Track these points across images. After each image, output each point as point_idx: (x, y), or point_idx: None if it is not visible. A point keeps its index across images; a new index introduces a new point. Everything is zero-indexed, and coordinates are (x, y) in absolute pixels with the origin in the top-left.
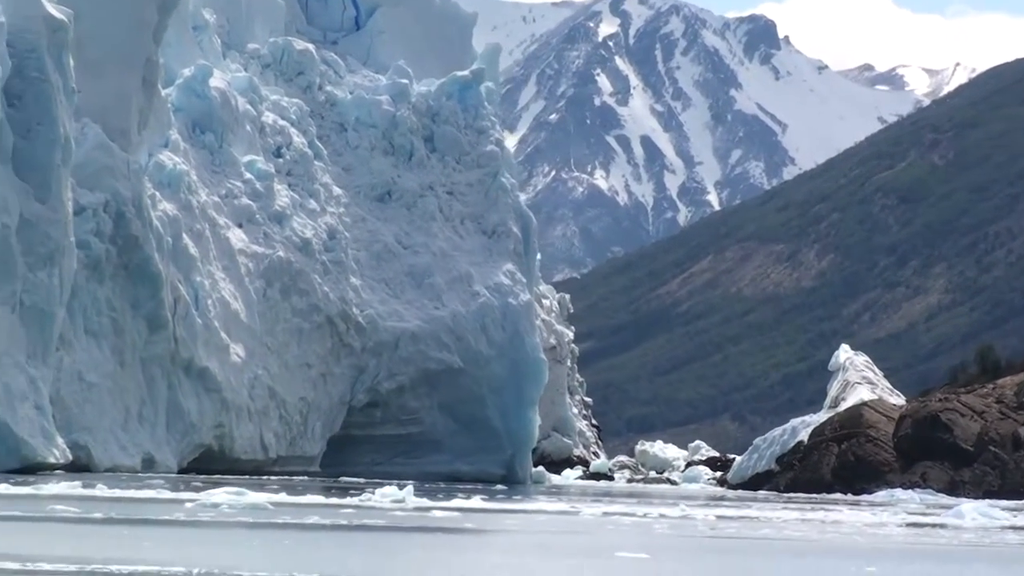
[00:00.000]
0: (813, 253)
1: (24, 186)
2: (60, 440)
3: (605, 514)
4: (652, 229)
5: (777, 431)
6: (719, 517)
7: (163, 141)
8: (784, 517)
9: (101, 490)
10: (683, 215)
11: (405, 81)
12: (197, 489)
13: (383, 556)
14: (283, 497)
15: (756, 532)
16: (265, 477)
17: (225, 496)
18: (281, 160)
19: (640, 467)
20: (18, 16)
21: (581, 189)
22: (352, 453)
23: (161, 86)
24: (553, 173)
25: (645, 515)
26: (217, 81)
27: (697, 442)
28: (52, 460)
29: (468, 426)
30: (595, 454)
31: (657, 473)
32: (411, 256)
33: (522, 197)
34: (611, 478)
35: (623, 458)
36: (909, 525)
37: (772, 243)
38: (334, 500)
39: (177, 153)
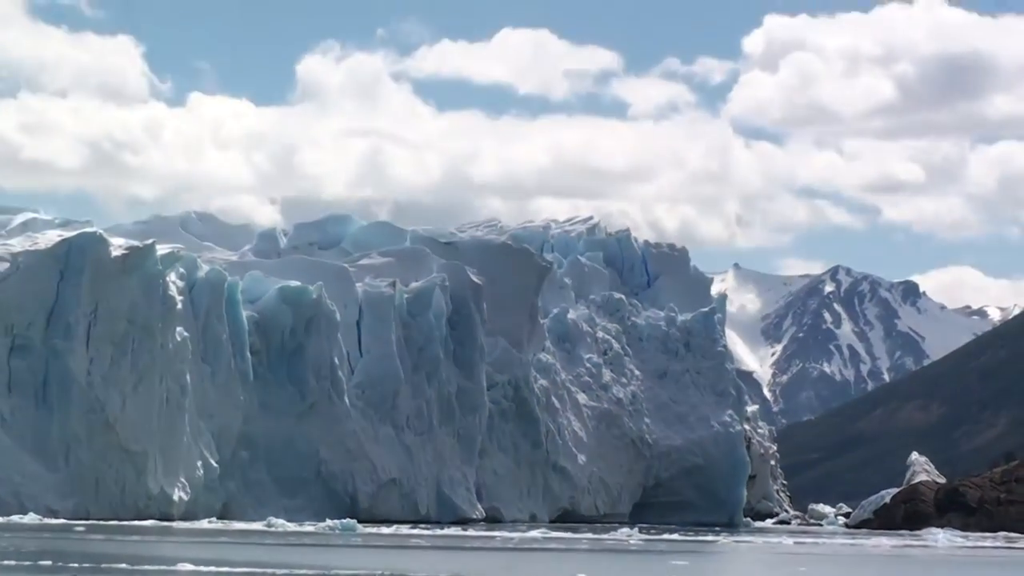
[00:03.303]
0: None
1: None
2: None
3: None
4: None
5: (875, 496)
6: (797, 543)
7: (541, 347)
8: (870, 542)
9: None
10: None
11: (674, 314)
12: None
13: None
14: None
15: (826, 549)
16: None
17: None
18: (607, 356)
19: (807, 518)
20: (453, 281)
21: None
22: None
23: (540, 318)
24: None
25: (770, 542)
26: (571, 315)
27: (840, 504)
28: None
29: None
30: (786, 510)
31: (815, 520)
32: (674, 407)
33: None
34: (788, 523)
35: (797, 512)
36: (902, 546)
37: None
38: None
39: (549, 354)
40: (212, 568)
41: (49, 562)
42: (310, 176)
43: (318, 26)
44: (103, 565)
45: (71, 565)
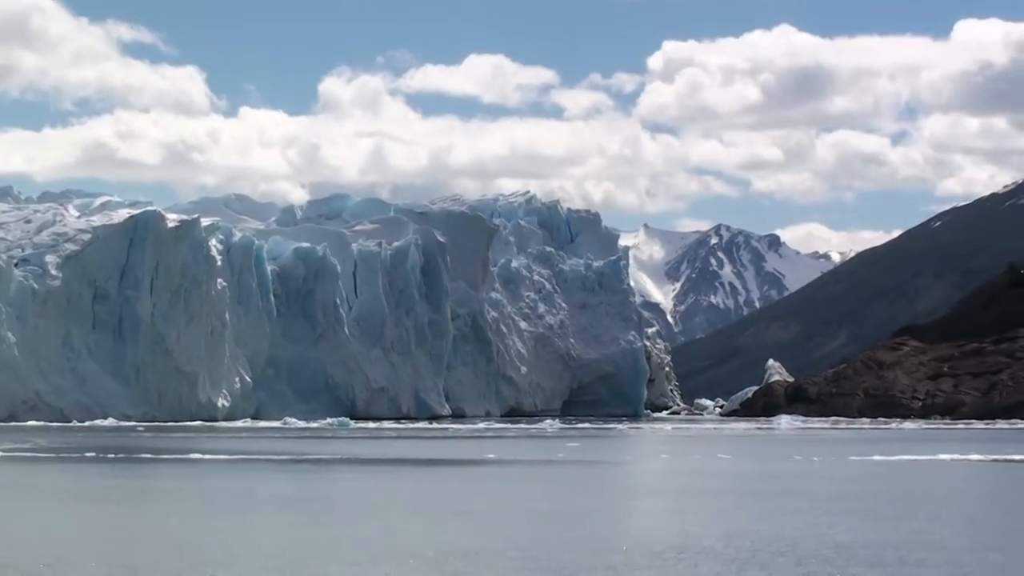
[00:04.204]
0: None
1: (429, 307)
2: None
3: (631, 426)
4: None
5: (741, 392)
6: (674, 428)
7: (491, 288)
8: (731, 426)
9: None
10: None
11: (590, 262)
12: None
13: None
14: None
15: (693, 432)
16: None
17: None
18: (541, 294)
19: (693, 410)
20: (424, 241)
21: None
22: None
23: (490, 267)
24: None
25: (655, 428)
26: (514, 264)
27: (718, 398)
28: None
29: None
30: (678, 404)
31: (698, 411)
32: (592, 330)
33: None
34: (679, 413)
35: (685, 405)
36: (756, 428)
37: None
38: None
39: (498, 293)
40: (214, 456)
41: (93, 453)
42: (330, 166)
43: (334, 55)
44: (133, 455)
45: (108, 456)
